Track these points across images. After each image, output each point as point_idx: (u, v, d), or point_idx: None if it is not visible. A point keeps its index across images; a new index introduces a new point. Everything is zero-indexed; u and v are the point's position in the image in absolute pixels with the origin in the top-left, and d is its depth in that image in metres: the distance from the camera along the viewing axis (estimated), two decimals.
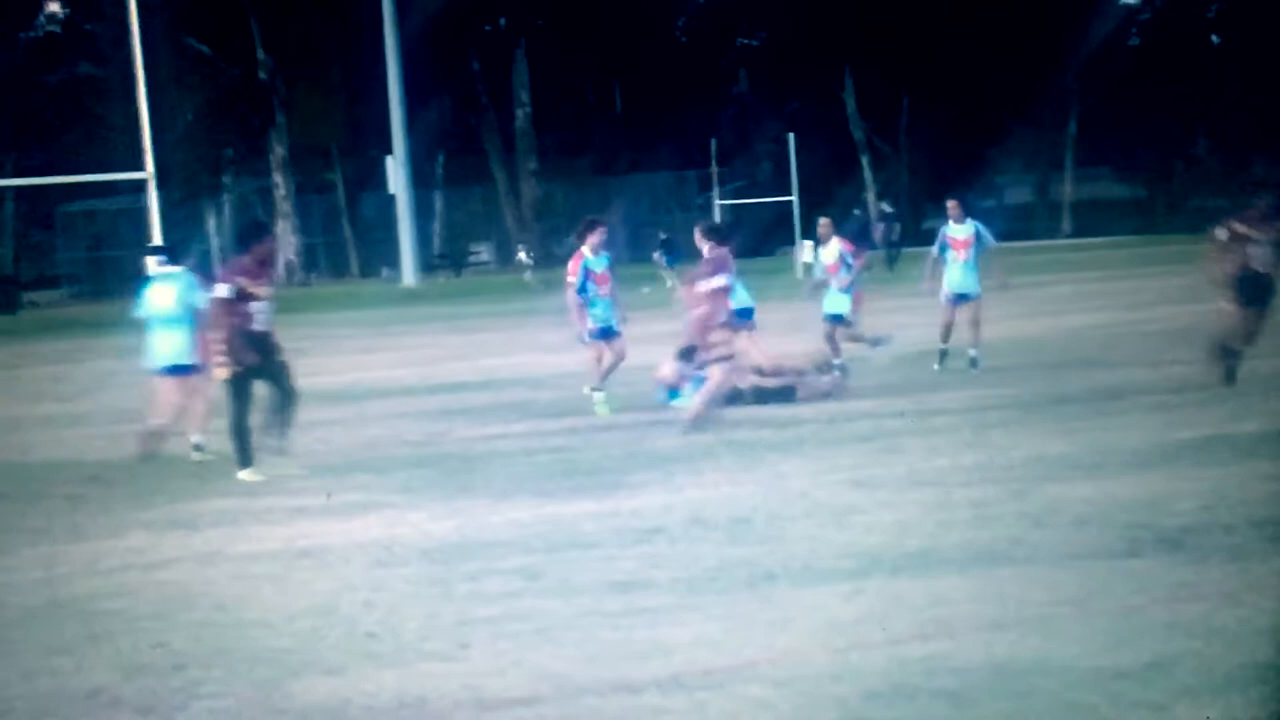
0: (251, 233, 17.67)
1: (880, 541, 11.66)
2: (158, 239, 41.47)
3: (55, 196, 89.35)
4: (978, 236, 24.13)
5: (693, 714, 8.06)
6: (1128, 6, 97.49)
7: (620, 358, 21.23)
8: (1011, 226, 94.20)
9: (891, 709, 7.93)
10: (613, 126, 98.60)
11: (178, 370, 18.66)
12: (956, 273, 24.03)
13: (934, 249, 24.49)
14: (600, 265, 21.10)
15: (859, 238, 24.34)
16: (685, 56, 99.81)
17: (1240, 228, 19.77)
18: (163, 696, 8.84)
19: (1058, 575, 10.32)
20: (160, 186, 42.86)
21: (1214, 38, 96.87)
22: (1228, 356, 19.60)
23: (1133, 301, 34.11)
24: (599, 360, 21.07)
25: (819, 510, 13.02)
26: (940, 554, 11.13)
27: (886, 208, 73.79)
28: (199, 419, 18.69)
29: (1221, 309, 20.03)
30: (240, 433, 16.53)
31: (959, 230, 24.16)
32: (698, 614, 9.89)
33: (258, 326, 16.46)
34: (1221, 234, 19.94)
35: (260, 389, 16.67)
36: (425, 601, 10.66)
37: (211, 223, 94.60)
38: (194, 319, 18.43)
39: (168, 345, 18.71)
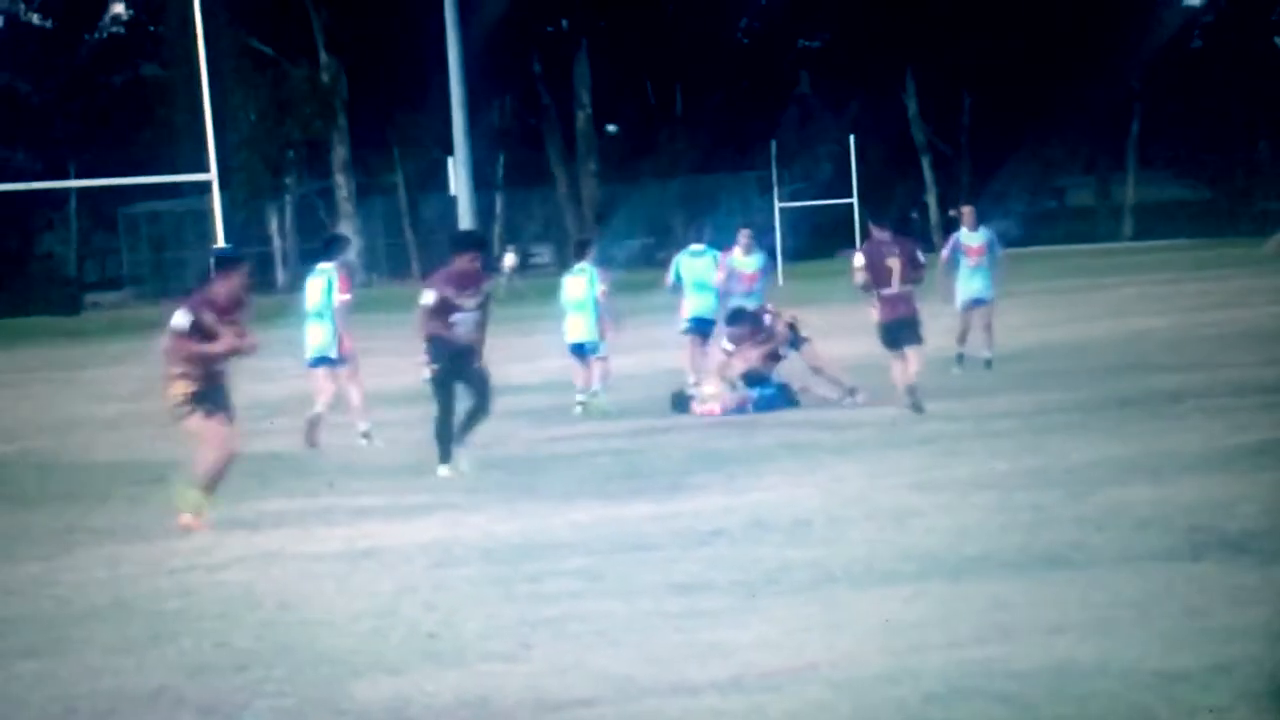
0: (462, 241, 17.97)
1: (939, 544, 11.66)
2: (220, 240, 41.73)
3: (118, 198, 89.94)
4: (990, 244, 24.59)
5: (752, 716, 8.08)
6: (1190, 8, 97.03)
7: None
8: (1073, 228, 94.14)
9: (951, 712, 7.93)
10: (674, 128, 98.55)
11: (324, 362, 19.65)
12: (971, 278, 24.50)
13: (945, 254, 25.13)
14: (751, 266, 22.89)
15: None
16: (747, 58, 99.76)
17: None
18: (225, 696, 8.90)
19: (1118, 578, 10.29)
20: (223, 188, 43.10)
21: (1277, 40, 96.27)
22: None
23: (1194, 304, 33.94)
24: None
25: (879, 513, 13.02)
26: (1000, 557, 11.12)
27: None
28: (358, 408, 19.52)
29: None
30: (440, 432, 16.85)
31: (973, 238, 24.62)
32: (757, 616, 9.91)
33: (460, 335, 16.55)
34: None
35: (462, 391, 16.86)
36: (486, 602, 10.71)
37: (274, 224, 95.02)
38: (333, 314, 19.47)
39: (315, 338, 19.68)
